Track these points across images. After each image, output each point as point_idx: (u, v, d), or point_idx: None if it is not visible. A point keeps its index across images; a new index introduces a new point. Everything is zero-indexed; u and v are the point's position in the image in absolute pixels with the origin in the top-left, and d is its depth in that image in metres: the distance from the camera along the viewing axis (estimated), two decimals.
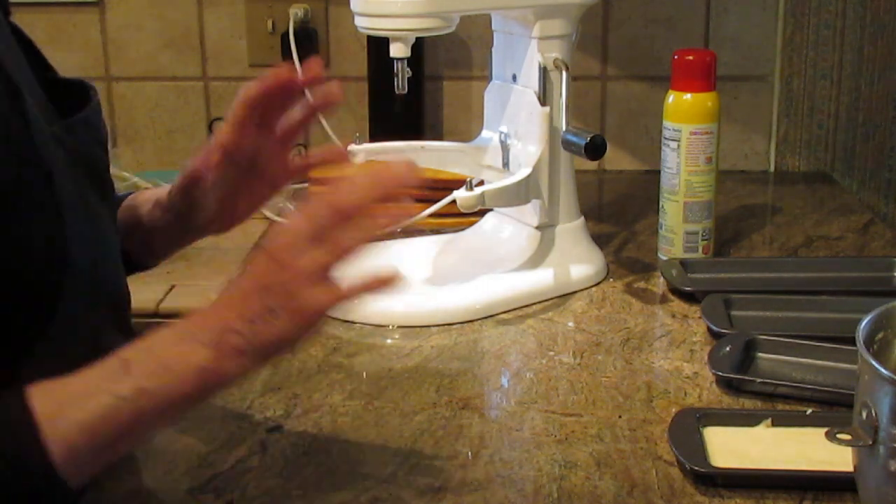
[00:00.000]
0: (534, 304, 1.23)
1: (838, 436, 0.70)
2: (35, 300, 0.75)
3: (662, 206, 1.34)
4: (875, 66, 1.71)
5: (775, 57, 1.76)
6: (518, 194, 1.20)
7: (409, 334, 1.15)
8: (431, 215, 1.38)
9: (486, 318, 1.19)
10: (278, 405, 0.99)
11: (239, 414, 0.98)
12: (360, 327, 1.17)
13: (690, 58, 1.29)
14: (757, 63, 1.76)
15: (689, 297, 1.23)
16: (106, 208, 0.89)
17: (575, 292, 1.26)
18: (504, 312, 1.20)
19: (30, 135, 0.76)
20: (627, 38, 1.76)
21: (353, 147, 1.30)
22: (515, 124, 1.26)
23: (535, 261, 1.26)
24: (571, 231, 1.28)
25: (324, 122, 1.76)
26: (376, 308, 1.18)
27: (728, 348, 1.06)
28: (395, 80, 1.23)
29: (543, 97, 1.22)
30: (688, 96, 1.29)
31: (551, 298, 1.24)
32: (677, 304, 1.23)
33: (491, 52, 1.30)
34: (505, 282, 1.23)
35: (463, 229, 1.37)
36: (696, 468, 0.85)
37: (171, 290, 1.31)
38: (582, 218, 1.30)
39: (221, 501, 0.84)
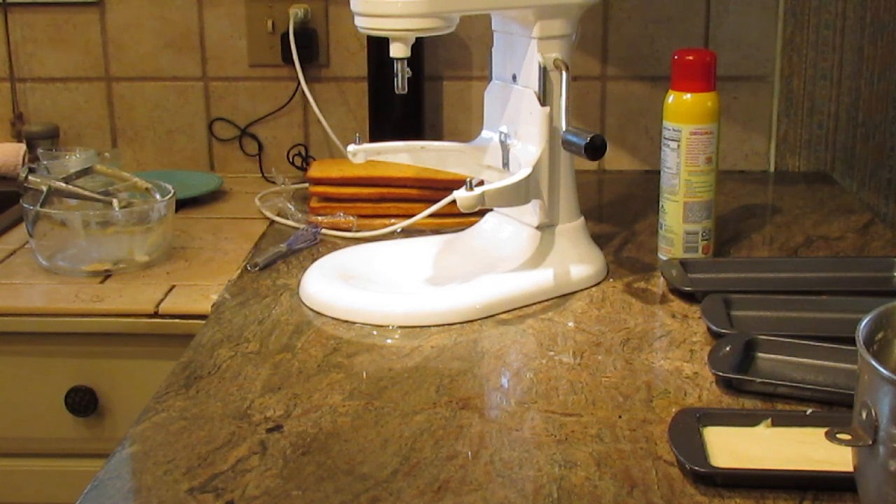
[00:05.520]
0: (534, 304, 1.23)
1: (838, 436, 0.70)
2: None
3: (662, 206, 1.34)
4: (875, 66, 1.71)
5: (775, 57, 1.76)
6: (518, 194, 1.20)
7: (409, 334, 1.15)
8: (431, 215, 1.39)
9: (486, 318, 1.19)
10: (278, 405, 0.99)
11: (239, 414, 0.98)
12: (360, 327, 1.17)
13: (690, 58, 1.29)
14: (757, 63, 1.76)
15: (689, 297, 1.23)
16: None
17: (575, 292, 1.26)
18: (504, 312, 1.20)
19: None
20: (627, 38, 1.76)
21: (352, 147, 1.30)
22: (515, 124, 1.26)
23: (535, 261, 1.26)
24: (571, 231, 1.28)
25: (324, 121, 1.76)
26: (376, 308, 1.19)
27: (728, 348, 1.06)
28: (395, 80, 1.23)
29: (543, 97, 1.22)
30: (688, 96, 1.29)
31: (551, 298, 1.24)
32: (677, 304, 1.23)
33: (491, 52, 1.30)
34: (505, 282, 1.23)
35: (463, 229, 1.37)
36: (696, 468, 0.85)
37: (170, 290, 1.31)
38: (582, 218, 1.30)
39: (221, 501, 0.84)
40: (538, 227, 1.26)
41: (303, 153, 1.81)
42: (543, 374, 1.06)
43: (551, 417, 0.97)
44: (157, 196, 1.44)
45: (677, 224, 1.32)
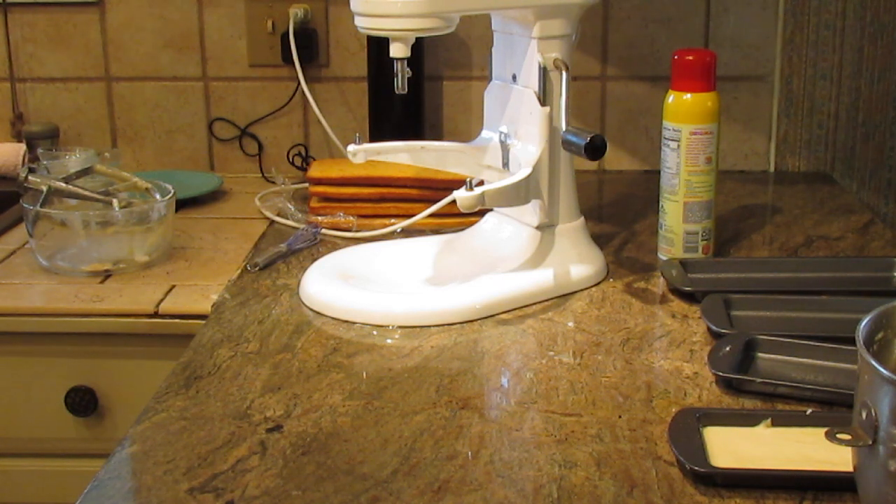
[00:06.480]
0: (534, 304, 1.23)
1: (838, 436, 0.70)
2: None
3: (662, 206, 1.34)
4: (875, 66, 1.71)
5: (775, 57, 1.76)
6: (518, 194, 1.20)
7: (409, 334, 1.15)
8: (431, 215, 1.39)
9: (486, 318, 1.19)
10: (278, 405, 0.99)
11: (239, 414, 0.98)
12: (360, 327, 1.17)
13: (690, 58, 1.29)
14: (757, 63, 1.76)
15: (689, 297, 1.23)
16: None
17: (575, 292, 1.26)
18: (504, 312, 1.20)
19: None
20: (627, 38, 1.76)
21: (352, 147, 1.30)
22: (515, 124, 1.26)
23: (535, 261, 1.26)
24: (571, 231, 1.28)
25: (323, 121, 1.76)
26: (376, 308, 1.18)
27: (728, 348, 1.06)
28: (395, 80, 1.23)
29: (543, 97, 1.22)
30: (688, 96, 1.29)
31: (551, 298, 1.24)
32: (677, 304, 1.23)
33: (491, 52, 1.30)
34: (505, 282, 1.23)
35: (463, 229, 1.37)
36: (696, 468, 0.85)
37: (170, 290, 1.31)
38: (582, 218, 1.30)
39: (221, 501, 0.84)
40: (538, 227, 1.26)
41: (303, 153, 1.81)
42: (543, 374, 1.06)
43: (551, 417, 0.97)
44: (157, 196, 1.44)
45: (677, 224, 1.32)
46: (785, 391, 0.99)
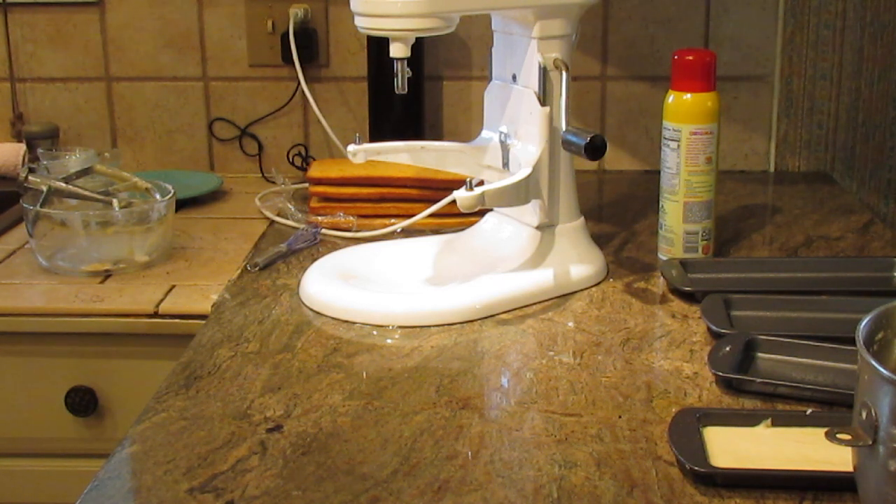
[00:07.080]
0: (534, 304, 1.23)
1: (838, 436, 0.70)
2: None
3: (662, 206, 1.34)
4: (875, 66, 1.71)
5: (775, 57, 1.76)
6: (518, 194, 1.20)
7: (409, 334, 1.15)
8: (431, 215, 1.39)
9: (486, 318, 1.19)
10: (278, 405, 0.99)
11: (239, 414, 0.98)
12: (360, 327, 1.17)
13: (690, 58, 1.29)
14: (757, 63, 1.76)
15: (689, 297, 1.23)
16: None
17: (575, 292, 1.26)
18: (504, 312, 1.20)
19: None
20: (627, 38, 1.76)
21: (352, 147, 1.30)
22: (515, 124, 1.26)
23: (535, 261, 1.26)
24: (571, 231, 1.28)
25: (323, 121, 1.76)
26: (376, 308, 1.18)
27: (728, 348, 1.06)
28: (395, 80, 1.23)
29: (543, 97, 1.22)
30: (688, 96, 1.29)
31: (551, 298, 1.24)
32: (677, 304, 1.23)
33: (491, 52, 1.30)
34: (505, 282, 1.23)
35: (463, 229, 1.37)
36: (696, 468, 0.85)
37: (170, 290, 1.31)
38: (582, 218, 1.30)
39: (221, 501, 0.84)
40: (538, 227, 1.26)
41: (303, 153, 1.81)
42: (543, 374, 1.06)
43: (551, 417, 0.97)
44: (157, 196, 1.44)
45: (677, 224, 1.32)
46: (785, 391, 0.99)
